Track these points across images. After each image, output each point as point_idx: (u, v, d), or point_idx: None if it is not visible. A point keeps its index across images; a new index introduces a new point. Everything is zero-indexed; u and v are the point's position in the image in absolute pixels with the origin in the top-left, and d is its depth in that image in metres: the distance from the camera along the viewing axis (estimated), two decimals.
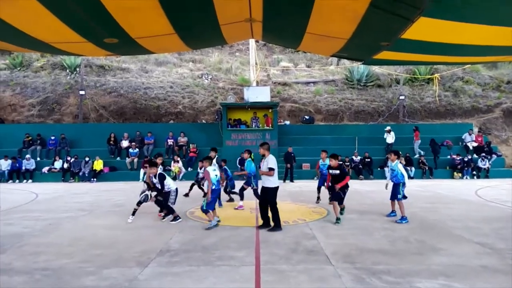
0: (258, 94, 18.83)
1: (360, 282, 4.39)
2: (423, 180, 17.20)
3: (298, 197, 11.72)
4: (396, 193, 8.10)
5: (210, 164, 7.66)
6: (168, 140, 18.61)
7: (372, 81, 23.43)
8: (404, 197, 8.11)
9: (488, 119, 20.82)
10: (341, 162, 8.53)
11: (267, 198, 7.06)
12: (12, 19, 6.10)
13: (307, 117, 21.33)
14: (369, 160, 18.19)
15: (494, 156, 18.17)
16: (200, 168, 9.65)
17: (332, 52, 9.99)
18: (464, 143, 19.07)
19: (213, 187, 7.23)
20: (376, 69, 23.31)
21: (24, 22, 6.39)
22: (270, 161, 7.00)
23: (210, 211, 7.23)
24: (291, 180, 16.48)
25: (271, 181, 7.02)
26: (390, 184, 8.40)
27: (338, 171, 7.87)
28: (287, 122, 21.23)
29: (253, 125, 18.98)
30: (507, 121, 20.74)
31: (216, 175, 7.45)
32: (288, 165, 16.55)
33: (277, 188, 7.10)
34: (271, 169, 6.90)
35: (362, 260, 5.22)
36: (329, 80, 24.37)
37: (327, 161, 10.01)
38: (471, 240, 6.41)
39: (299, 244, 6.09)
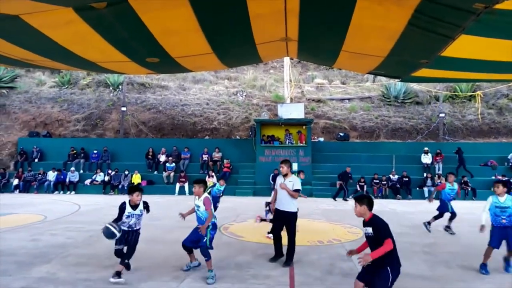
0: (292, 111, 18.89)
1: None
2: (466, 201, 16.35)
3: (333, 216, 11.51)
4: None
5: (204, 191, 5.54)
6: (203, 155, 18.99)
7: (410, 98, 22.83)
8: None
9: None
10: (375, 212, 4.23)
11: (287, 225, 6.01)
12: (65, 42, 6.58)
13: (342, 134, 21.04)
14: (407, 179, 17.60)
15: None
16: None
17: (369, 69, 9.88)
18: (510, 164, 18.03)
19: (214, 221, 5.49)
20: (414, 86, 22.72)
21: (75, 44, 6.86)
22: (297, 182, 6.09)
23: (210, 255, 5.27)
24: (344, 199, 16.37)
25: (294, 205, 6.06)
26: (487, 227, 5.98)
27: (370, 229, 3.90)
28: (321, 139, 21.05)
29: (287, 142, 18.98)
30: None
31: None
32: (341, 183, 16.71)
33: (297, 213, 6.15)
34: (297, 190, 6.00)
35: (400, 285, 5.00)
36: (364, 96, 24.01)
37: (456, 186, 9.12)
38: None
39: (335, 265, 5.97)
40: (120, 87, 23.58)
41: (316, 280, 5.25)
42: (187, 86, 25.01)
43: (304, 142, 18.76)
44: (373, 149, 20.12)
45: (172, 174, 18.26)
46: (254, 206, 12.56)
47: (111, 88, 24.11)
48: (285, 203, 6.01)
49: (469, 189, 17.02)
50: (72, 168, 18.47)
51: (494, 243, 5.77)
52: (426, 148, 18.72)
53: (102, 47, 7.01)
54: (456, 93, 21.92)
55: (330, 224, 10.08)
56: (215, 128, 21.88)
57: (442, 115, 20.29)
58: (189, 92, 24.33)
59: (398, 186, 17.56)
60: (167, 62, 8.53)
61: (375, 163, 19.15)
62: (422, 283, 5.16)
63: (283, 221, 6.06)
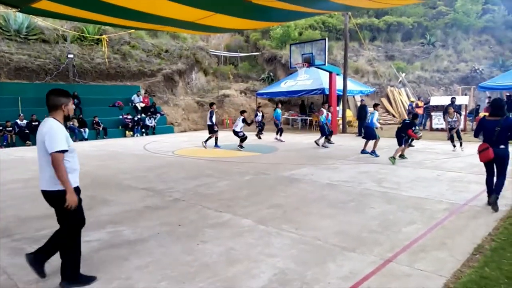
0: None
1: (20, 254, 3.85)
2: (98, 140, 17.37)
3: None
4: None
5: None
6: None
7: (34, 34, 20.49)
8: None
9: (152, 82, 23.33)
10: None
11: None
12: None
13: None
14: (37, 123, 16.23)
15: (159, 115, 20.84)
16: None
17: None
18: (134, 104, 20.64)
19: None
20: (39, 21, 20.57)
21: None
22: None
23: None
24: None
25: None
26: None
27: None
28: None
29: None
30: (167, 85, 24.05)
31: None
32: None
33: None
34: None
35: (22, 231, 4.61)
36: None
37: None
38: (138, 187, 7.09)
39: None
40: None
41: None
42: None
43: None
44: None
45: None
46: None
47: None
48: None
49: (100, 129, 18.10)
50: None
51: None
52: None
53: None
54: (84, 35, 21.89)
55: None
56: None
57: (71, 56, 19.77)
58: None
59: (28, 131, 15.96)
60: None
61: None
62: (49, 222, 4.94)
63: None
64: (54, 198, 3.09)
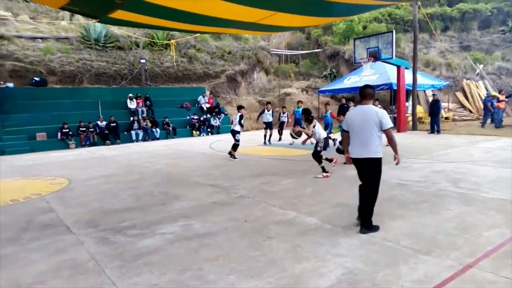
0: None
1: (105, 243, 4.25)
2: (168, 140, 18.41)
3: (30, 171, 10.08)
4: None
5: None
6: None
7: (111, 42, 22.34)
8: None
9: (217, 83, 24.14)
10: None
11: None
12: None
13: (37, 78, 18.22)
14: (114, 124, 17.68)
15: (223, 115, 21.48)
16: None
17: (61, 4, 8.73)
18: (200, 105, 21.52)
19: None
20: (115, 29, 22.35)
21: None
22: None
23: None
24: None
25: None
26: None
27: None
28: (10, 85, 17.49)
29: None
30: (230, 86, 24.74)
31: None
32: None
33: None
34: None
35: (106, 222, 5.06)
36: (61, 37, 21.44)
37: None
38: (206, 183, 7.39)
39: (32, 221, 5.25)
40: None
41: (7, 241, 4.45)
42: None
43: None
44: (76, 95, 18.74)
45: None
46: None
47: None
48: None
49: (170, 129, 19.16)
50: None
51: None
52: (130, 95, 19.30)
53: None
54: (154, 41, 23.33)
55: (27, 180, 8.78)
56: None
57: (143, 61, 21.19)
58: None
59: (107, 132, 17.44)
60: None
61: (81, 110, 18.09)
62: (129, 214, 5.39)
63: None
64: (375, 162, 4.27)
